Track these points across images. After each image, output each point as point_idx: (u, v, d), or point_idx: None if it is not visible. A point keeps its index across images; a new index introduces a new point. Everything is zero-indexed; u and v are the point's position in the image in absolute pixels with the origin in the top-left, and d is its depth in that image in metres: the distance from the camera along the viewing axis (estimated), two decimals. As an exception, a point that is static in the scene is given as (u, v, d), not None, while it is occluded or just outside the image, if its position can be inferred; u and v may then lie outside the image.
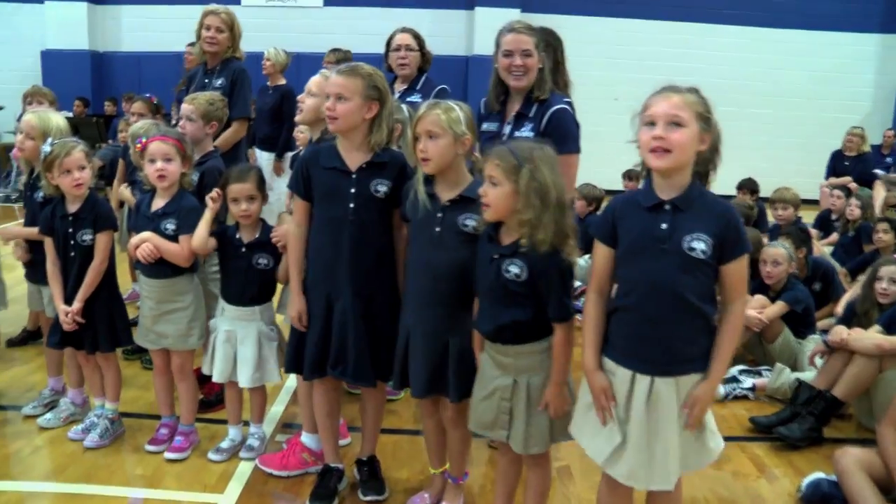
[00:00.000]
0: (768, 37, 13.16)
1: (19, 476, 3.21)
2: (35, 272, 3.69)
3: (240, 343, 3.25)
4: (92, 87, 11.43)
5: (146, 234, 3.17)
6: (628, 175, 8.71)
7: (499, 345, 2.53)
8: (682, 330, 2.24)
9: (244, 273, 3.21)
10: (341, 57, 6.13)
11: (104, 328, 3.36)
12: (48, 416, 3.63)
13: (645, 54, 12.67)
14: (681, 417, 2.25)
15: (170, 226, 3.19)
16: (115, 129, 9.79)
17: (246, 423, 3.47)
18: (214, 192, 3.19)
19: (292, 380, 3.88)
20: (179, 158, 3.22)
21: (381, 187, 2.81)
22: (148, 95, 5.00)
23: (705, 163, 2.27)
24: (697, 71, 11.55)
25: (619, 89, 12.46)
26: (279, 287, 3.34)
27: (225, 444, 3.38)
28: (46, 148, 3.24)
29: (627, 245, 2.29)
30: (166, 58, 11.04)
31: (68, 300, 3.31)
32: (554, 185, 2.38)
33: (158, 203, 3.25)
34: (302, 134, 5.90)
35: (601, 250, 2.36)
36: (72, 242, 3.30)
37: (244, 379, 3.25)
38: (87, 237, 3.29)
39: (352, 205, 2.79)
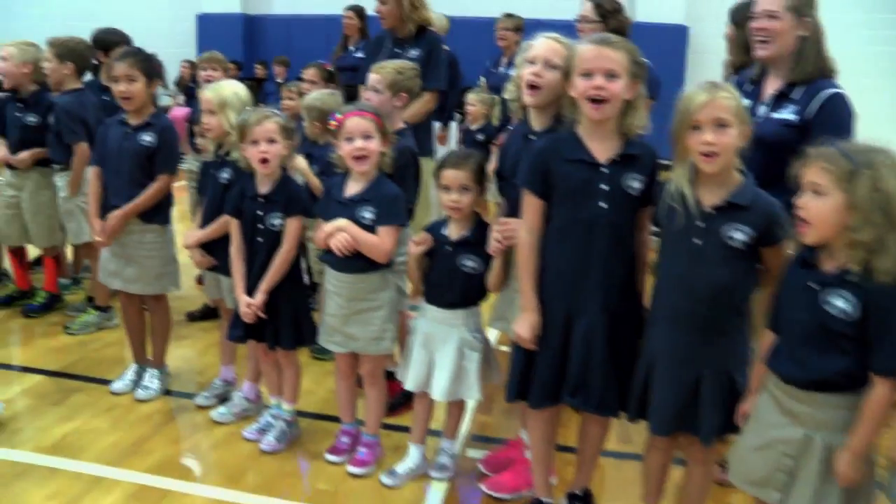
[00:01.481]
0: None
1: (199, 479, 2.98)
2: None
3: (437, 349, 2.85)
4: (244, 51, 11.41)
5: (342, 223, 2.79)
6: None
7: (793, 388, 2.01)
8: None
9: (449, 274, 2.80)
10: (519, 23, 5.69)
11: (287, 323, 3.03)
12: (221, 409, 3.39)
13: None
14: None
15: (367, 214, 2.79)
16: (266, 94, 9.74)
17: (435, 433, 3.09)
18: (421, 237, 2.81)
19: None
20: (379, 136, 2.82)
21: (635, 183, 2.35)
22: (322, 62, 4.67)
23: None
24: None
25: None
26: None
27: (401, 469, 2.98)
28: (243, 116, 2.94)
29: None
30: (316, 21, 10.86)
31: (251, 290, 3.00)
32: None
33: (354, 187, 2.86)
34: (473, 107, 5.49)
35: None
36: (259, 227, 2.98)
37: (438, 391, 2.84)
38: (277, 221, 2.96)
39: (604, 204, 2.33)
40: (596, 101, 2.27)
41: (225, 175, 3.16)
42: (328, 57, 7.71)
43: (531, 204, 2.43)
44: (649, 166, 2.37)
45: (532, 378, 2.48)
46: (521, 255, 2.46)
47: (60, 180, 4.35)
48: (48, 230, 4.51)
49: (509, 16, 5.76)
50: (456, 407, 2.98)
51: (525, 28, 5.74)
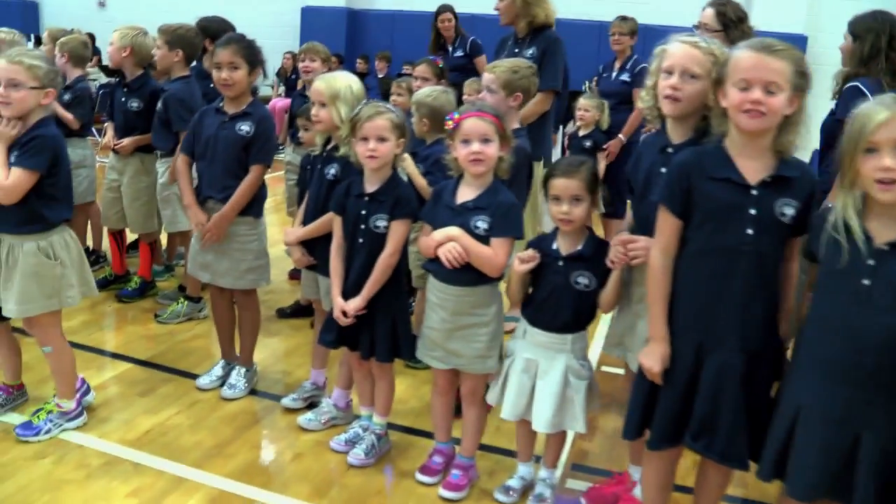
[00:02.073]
0: None
1: (282, 489, 2.82)
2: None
3: (540, 376, 2.61)
4: (346, 44, 11.42)
5: (455, 232, 2.58)
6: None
7: None
8: None
9: (558, 292, 2.56)
10: (634, 27, 5.40)
11: (384, 333, 2.83)
12: (309, 415, 3.24)
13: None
14: None
15: (481, 224, 2.57)
16: (367, 88, 9.72)
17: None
18: (528, 253, 2.57)
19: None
20: (498, 139, 2.60)
21: (788, 209, 2.06)
22: (433, 58, 4.52)
23: None
24: None
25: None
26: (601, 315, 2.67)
27: (515, 483, 2.80)
28: (356, 109, 2.79)
29: None
30: (419, 17, 10.75)
31: (347, 293, 2.83)
32: None
33: (467, 193, 2.64)
34: (588, 113, 5.20)
35: None
36: (362, 227, 2.79)
37: (541, 422, 2.60)
38: (381, 223, 2.77)
39: (750, 230, 2.06)
40: (755, 114, 2.00)
41: (332, 171, 2.99)
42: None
43: (668, 223, 2.16)
44: (806, 191, 2.08)
45: (651, 415, 2.23)
46: (653, 278, 2.20)
47: (162, 166, 4.32)
48: (144, 216, 4.49)
49: (624, 19, 5.46)
50: (557, 434, 2.74)
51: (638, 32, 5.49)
